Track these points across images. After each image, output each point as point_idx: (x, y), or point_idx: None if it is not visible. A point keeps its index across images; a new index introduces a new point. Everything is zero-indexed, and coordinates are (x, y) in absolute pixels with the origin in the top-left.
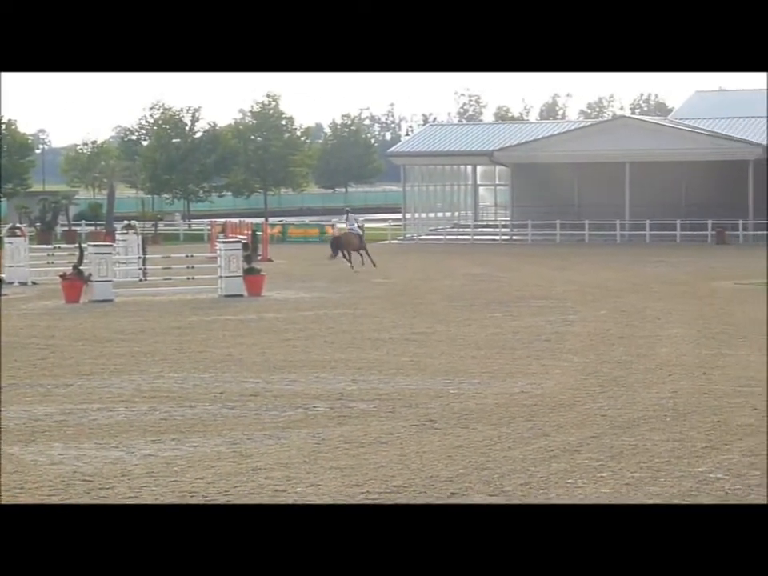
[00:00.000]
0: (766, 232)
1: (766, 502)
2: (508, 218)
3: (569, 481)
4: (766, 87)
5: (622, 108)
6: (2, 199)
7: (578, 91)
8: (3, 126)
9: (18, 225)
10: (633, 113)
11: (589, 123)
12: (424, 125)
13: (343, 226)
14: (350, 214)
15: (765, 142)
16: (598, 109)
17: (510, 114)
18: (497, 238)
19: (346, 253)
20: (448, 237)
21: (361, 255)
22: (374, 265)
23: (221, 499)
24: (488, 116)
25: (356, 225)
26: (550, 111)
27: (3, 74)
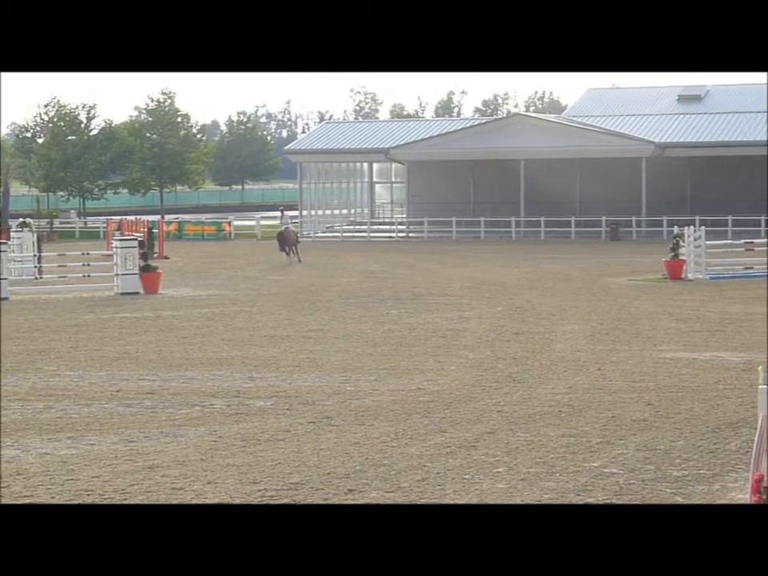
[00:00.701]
0: (658, 228)
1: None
2: (404, 215)
3: (465, 476)
4: (658, 85)
5: (516, 106)
6: None
7: (474, 89)
8: None
9: None
10: (527, 110)
11: (484, 121)
12: (320, 122)
13: (279, 223)
14: (284, 212)
15: (657, 140)
16: (492, 106)
17: (405, 112)
18: (393, 235)
19: (287, 248)
20: (345, 234)
21: (293, 250)
22: (300, 261)
23: (117, 498)
24: (384, 114)
25: (289, 222)
26: (446, 109)
27: None
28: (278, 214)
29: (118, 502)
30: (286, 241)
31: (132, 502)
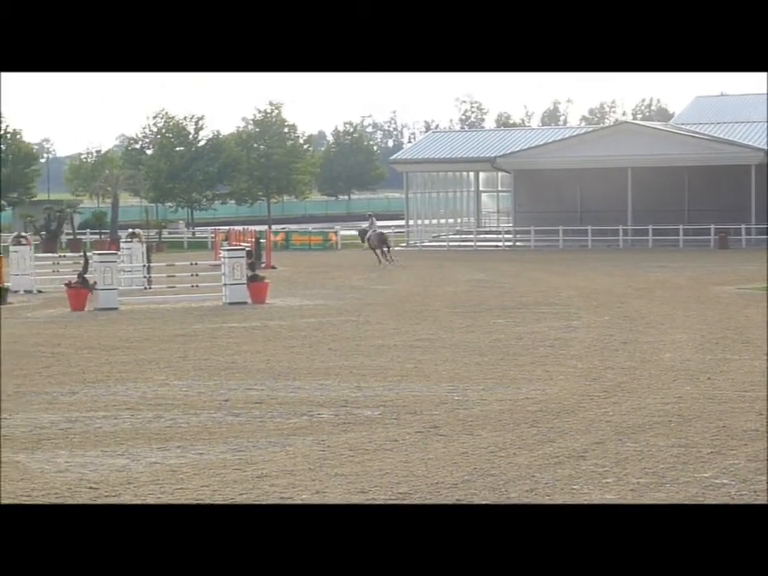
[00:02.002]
0: (767, 236)
1: (766, 502)
2: (510, 224)
3: (574, 487)
4: (766, 91)
5: (623, 114)
6: (7, 208)
7: (580, 97)
8: (8, 136)
9: (23, 234)
10: (634, 118)
11: (590, 129)
12: (426, 132)
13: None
14: (373, 219)
15: (766, 147)
16: (599, 115)
17: (511, 121)
18: (499, 244)
19: (383, 249)
20: (451, 243)
21: (386, 252)
22: (393, 260)
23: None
24: (490, 122)
25: (377, 227)
26: (552, 117)
27: (7, 83)
28: (369, 221)
29: (117, 503)
30: (378, 243)
31: (133, 502)
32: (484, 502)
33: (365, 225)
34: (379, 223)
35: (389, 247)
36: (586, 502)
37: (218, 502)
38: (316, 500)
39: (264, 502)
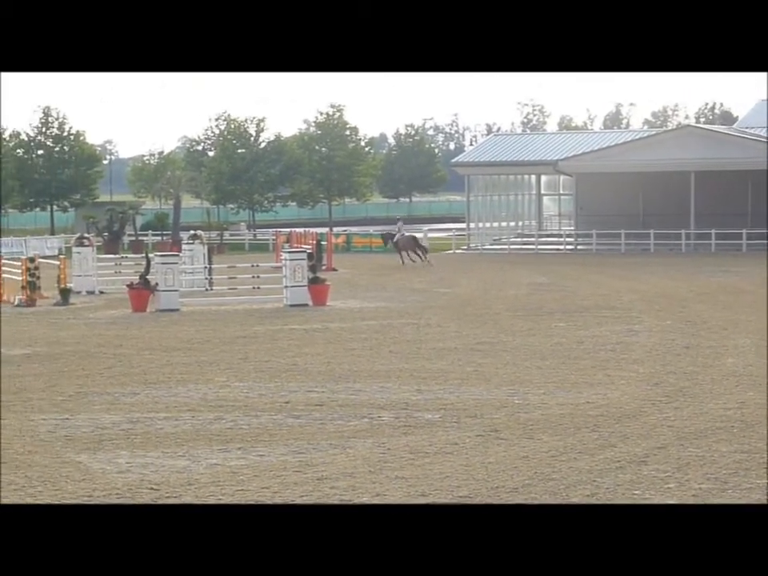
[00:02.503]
0: None
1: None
2: (572, 228)
3: (635, 492)
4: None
5: (686, 117)
6: (70, 209)
7: (642, 100)
8: (72, 138)
9: (85, 235)
10: (698, 122)
11: (653, 132)
12: (488, 135)
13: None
14: (401, 222)
15: None
16: (662, 118)
17: (573, 124)
18: (561, 247)
19: (404, 253)
20: (512, 246)
21: (418, 254)
22: (430, 263)
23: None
24: (551, 125)
25: (404, 230)
26: (614, 120)
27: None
28: (397, 225)
29: (119, 503)
30: (410, 245)
31: (133, 502)
32: (486, 502)
33: (394, 228)
34: (440, 226)
35: (425, 250)
36: (586, 503)
37: (215, 503)
38: (376, 502)
39: (270, 502)
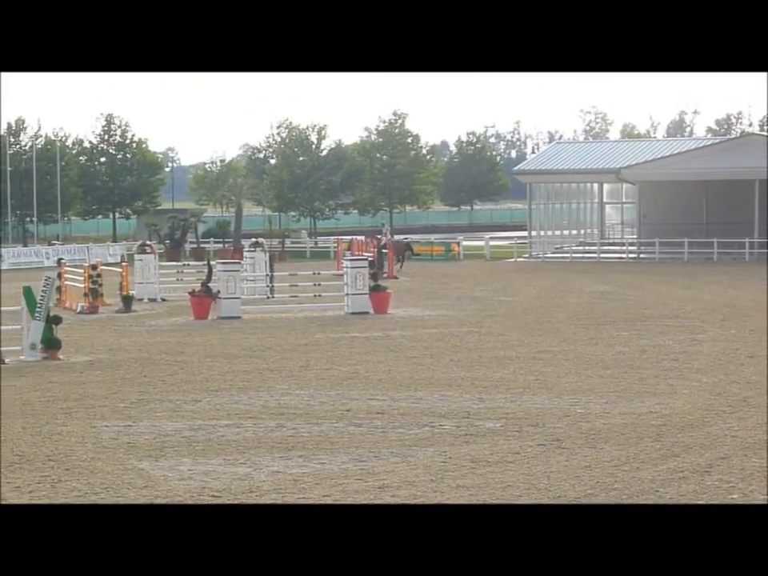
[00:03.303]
0: None
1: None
2: (635, 236)
3: (698, 502)
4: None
5: (750, 125)
6: (132, 217)
7: (706, 108)
8: (134, 145)
9: (147, 242)
10: (761, 130)
11: (717, 140)
12: (549, 143)
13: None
14: (387, 228)
15: None
16: (726, 126)
17: (636, 132)
18: (623, 255)
19: (399, 257)
20: (574, 255)
21: (400, 259)
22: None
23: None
24: (614, 133)
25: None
26: (678, 128)
27: (134, 92)
28: (385, 230)
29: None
30: (401, 249)
31: (133, 503)
32: (486, 503)
33: (381, 234)
34: (501, 234)
35: (404, 257)
36: (586, 503)
37: (215, 503)
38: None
39: (262, 504)
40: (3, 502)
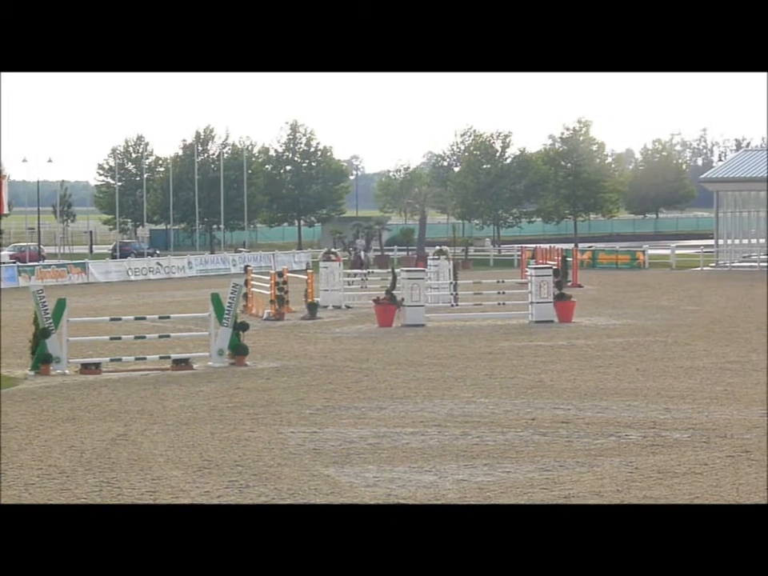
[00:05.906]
0: None
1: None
2: None
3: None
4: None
5: None
6: (316, 224)
7: None
8: (320, 153)
9: (332, 250)
10: None
11: None
12: (737, 150)
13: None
14: (359, 240)
15: None
16: None
17: None
18: None
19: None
20: (761, 264)
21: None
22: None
23: None
24: None
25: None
26: None
27: (318, 101)
28: (684, 243)
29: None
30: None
31: (134, 502)
32: (486, 503)
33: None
34: (686, 243)
35: (370, 268)
36: (587, 503)
37: (215, 503)
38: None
39: (264, 503)
40: (3, 502)
